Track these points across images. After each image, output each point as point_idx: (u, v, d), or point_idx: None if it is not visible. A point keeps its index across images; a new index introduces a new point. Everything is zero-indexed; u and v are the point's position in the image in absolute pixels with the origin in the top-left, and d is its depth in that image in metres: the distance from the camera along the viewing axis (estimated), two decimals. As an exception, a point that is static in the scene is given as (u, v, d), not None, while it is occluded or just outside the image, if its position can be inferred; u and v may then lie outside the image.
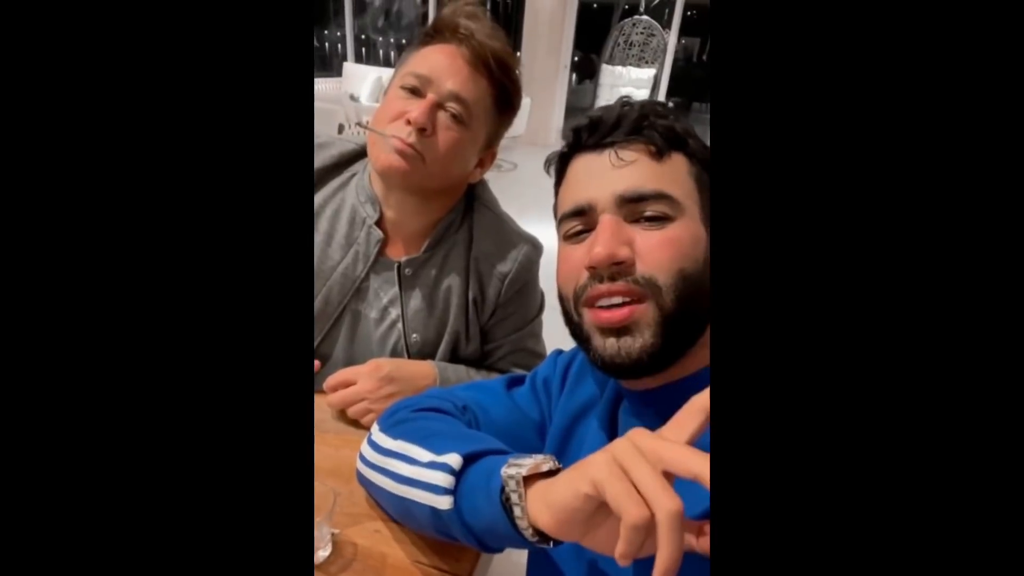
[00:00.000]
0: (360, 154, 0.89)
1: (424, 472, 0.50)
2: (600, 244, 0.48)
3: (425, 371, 0.81)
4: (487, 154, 0.86)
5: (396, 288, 0.85)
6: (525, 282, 0.88)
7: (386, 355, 0.87)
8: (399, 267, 0.85)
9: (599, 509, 0.37)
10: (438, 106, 0.75)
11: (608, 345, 0.49)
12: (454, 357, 0.89)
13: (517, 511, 0.42)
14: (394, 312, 0.85)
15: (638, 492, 0.34)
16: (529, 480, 0.42)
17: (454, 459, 0.48)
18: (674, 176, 0.51)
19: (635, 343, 0.48)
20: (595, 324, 0.51)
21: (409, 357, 0.86)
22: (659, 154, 0.51)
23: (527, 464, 0.42)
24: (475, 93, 0.77)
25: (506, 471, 0.43)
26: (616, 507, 0.34)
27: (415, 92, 0.76)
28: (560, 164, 0.58)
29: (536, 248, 0.89)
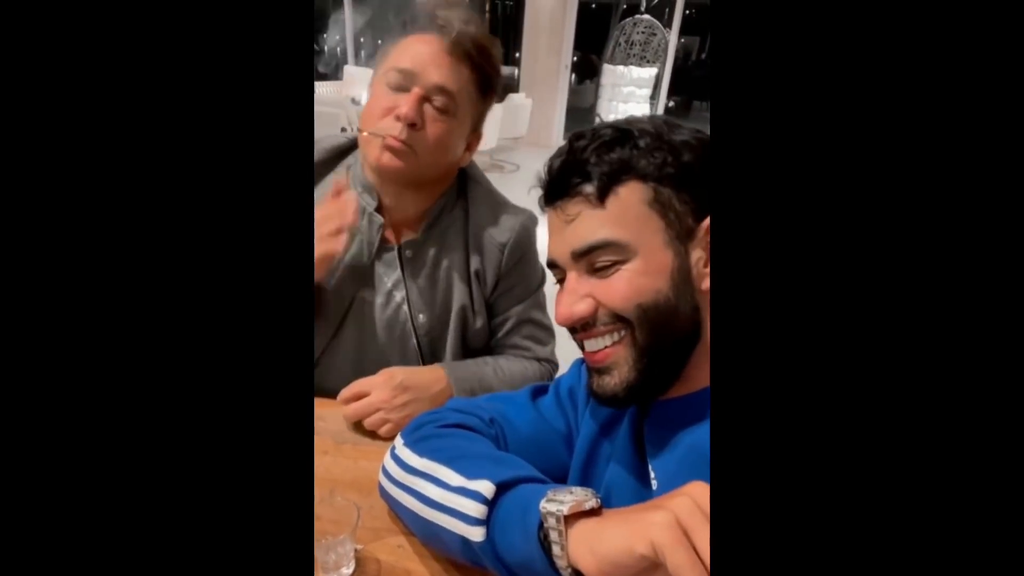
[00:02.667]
0: (352, 146, 0.90)
1: (454, 498, 0.48)
2: (559, 305, 0.52)
3: (437, 375, 0.81)
4: (473, 137, 0.86)
5: (399, 271, 0.86)
6: (524, 251, 0.89)
7: (395, 340, 0.88)
8: (400, 250, 0.85)
9: (651, 565, 0.36)
10: (424, 99, 0.76)
11: (594, 382, 0.53)
12: (464, 335, 0.89)
13: (556, 550, 0.41)
14: (399, 295, 0.86)
15: (699, 559, 0.33)
16: (570, 518, 0.41)
17: (486, 487, 0.46)
18: (619, 216, 0.49)
19: (612, 380, 0.51)
20: (587, 363, 0.55)
21: (417, 339, 0.87)
22: (600, 198, 0.49)
23: (568, 502, 0.41)
24: (459, 82, 0.77)
25: (545, 507, 0.41)
26: None
27: (400, 87, 0.76)
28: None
29: (532, 218, 0.90)
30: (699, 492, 0.36)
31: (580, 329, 0.52)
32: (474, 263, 0.87)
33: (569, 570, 0.40)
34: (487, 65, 0.80)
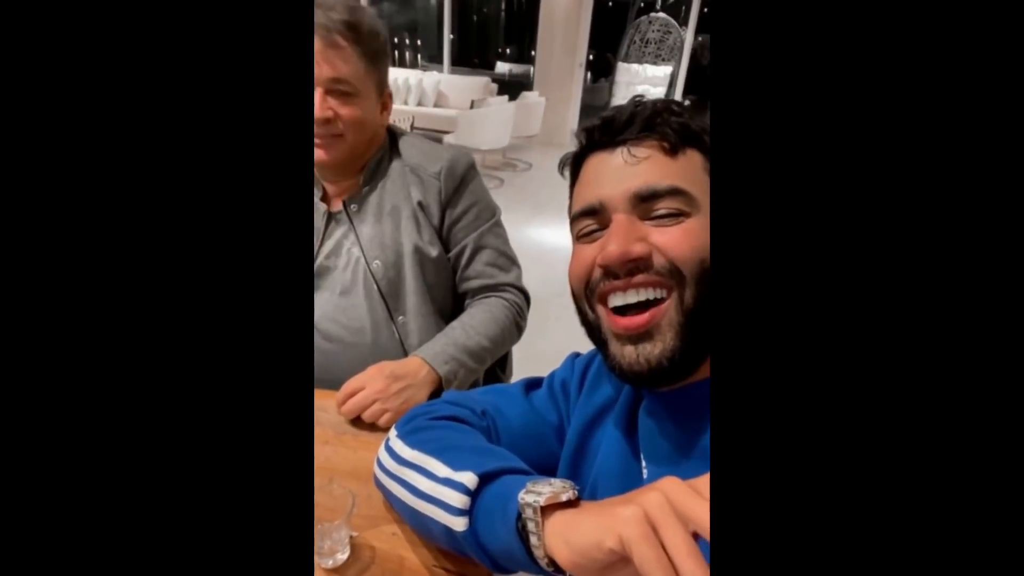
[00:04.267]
0: None
1: (440, 489, 0.49)
2: (614, 242, 0.48)
3: (417, 362, 0.83)
4: (386, 98, 0.96)
5: (349, 227, 0.94)
6: (461, 177, 0.96)
7: (360, 295, 0.94)
8: (345, 206, 0.95)
9: (621, 559, 0.36)
10: (328, 92, 0.85)
11: (626, 352, 0.49)
12: (422, 273, 0.94)
13: (534, 540, 0.41)
14: (354, 250, 0.94)
15: (667, 556, 0.33)
16: (548, 509, 0.41)
17: (469, 478, 0.47)
18: (689, 172, 0.50)
19: (655, 348, 0.48)
20: (612, 330, 0.50)
21: (377, 285, 0.93)
22: (673, 150, 0.50)
23: (545, 493, 0.41)
24: (347, 66, 0.85)
25: (523, 497, 0.42)
26: (644, 573, 0.33)
27: None
28: (574, 165, 0.57)
29: (464, 153, 0.97)
30: (670, 487, 0.35)
31: (624, 275, 0.48)
32: (415, 195, 0.94)
33: (546, 560, 0.41)
34: (361, 35, 0.86)
